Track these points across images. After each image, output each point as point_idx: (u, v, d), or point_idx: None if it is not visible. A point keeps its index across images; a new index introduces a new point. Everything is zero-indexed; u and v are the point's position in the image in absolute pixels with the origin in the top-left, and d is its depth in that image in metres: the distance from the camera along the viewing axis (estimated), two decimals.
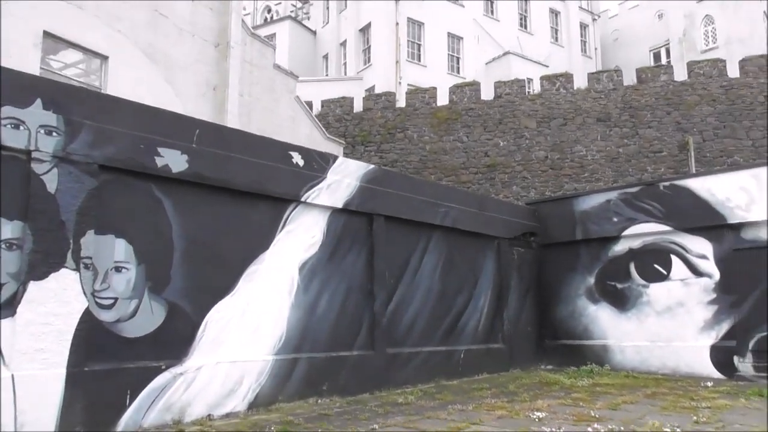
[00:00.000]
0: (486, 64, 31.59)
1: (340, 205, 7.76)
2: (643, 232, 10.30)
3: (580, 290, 11.07)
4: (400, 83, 28.17)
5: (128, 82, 11.68)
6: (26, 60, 9.97)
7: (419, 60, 29.98)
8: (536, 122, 23.55)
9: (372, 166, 8.65)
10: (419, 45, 30.08)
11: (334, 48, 33.30)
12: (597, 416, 5.85)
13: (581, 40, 37.17)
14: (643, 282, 10.30)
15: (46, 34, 10.66)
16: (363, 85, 29.14)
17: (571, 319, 11.13)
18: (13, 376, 4.69)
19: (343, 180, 7.81)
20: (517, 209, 11.96)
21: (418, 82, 27.69)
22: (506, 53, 31.23)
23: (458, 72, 30.81)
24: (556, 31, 36.26)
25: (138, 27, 12.36)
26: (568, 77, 24.38)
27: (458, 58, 31.24)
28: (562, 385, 8.35)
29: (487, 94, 24.82)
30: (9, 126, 4.89)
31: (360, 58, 31.11)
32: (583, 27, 37.44)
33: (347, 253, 7.92)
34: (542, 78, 24.87)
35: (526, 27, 34.85)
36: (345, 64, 32.26)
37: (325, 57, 34.21)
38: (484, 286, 10.27)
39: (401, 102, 25.35)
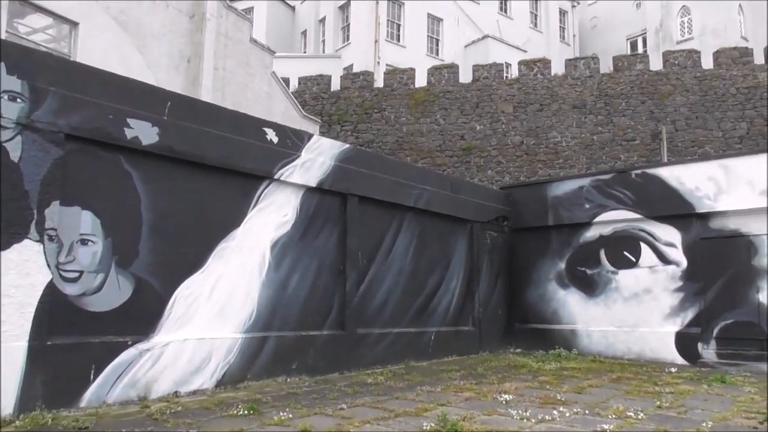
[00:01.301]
0: (465, 46, 31.43)
1: (313, 184, 7.68)
2: (614, 219, 10.42)
3: (551, 275, 11.20)
4: (378, 63, 27.85)
5: (99, 50, 11.33)
6: None
7: (398, 40, 29.66)
8: (513, 107, 23.59)
9: (347, 145, 8.58)
10: (399, 25, 29.75)
11: (312, 24, 32.77)
12: (563, 399, 5.94)
13: (560, 27, 37.17)
14: (612, 268, 10.44)
15: None
16: (341, 63, 28.74)
17: (541, 303, 11.26)
18: None
19: (318, 158, 7.73)
20: (490, 193, 12.00)
21: (397, 62, 27.41)
22: (485, 37, 31.08)
23: (437, 54, 30.58)
24: (536, 16, 36.19)
25: None
26: (545, 63, 24.40)
27: (437, 40, 31.00)
28: (530, 369, 8.46)
29: (465, 77, 24.72)
30: None
31: (339, 35, 30.68)
32: (563, 13, 37.41)
33: (320, 232, 7.86)
34: (520, 63, 24.85)
35: (506, 11, 34.70)
36: (323, 41, 31.78)
37: (303, 33, 33.67)
38: (455, 268, 10.32)
39: (379, 82, 25.13)
